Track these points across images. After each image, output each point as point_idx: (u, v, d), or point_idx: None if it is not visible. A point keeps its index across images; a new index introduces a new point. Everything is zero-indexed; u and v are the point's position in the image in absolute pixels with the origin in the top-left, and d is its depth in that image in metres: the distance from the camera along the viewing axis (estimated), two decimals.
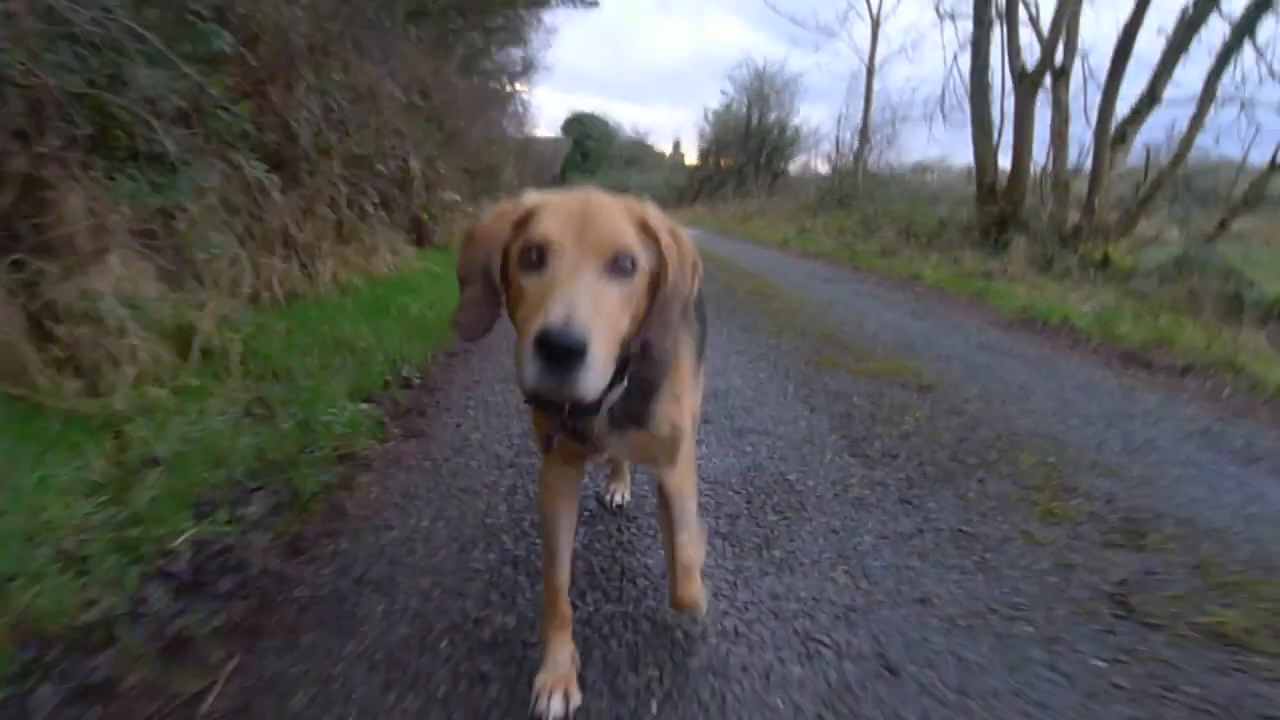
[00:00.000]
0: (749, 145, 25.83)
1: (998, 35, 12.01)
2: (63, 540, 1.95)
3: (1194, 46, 10.36)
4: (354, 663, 1.66)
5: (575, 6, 19.06)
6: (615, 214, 1.22)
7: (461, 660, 1.69)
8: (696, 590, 1.74)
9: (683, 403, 1.54)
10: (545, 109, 75.14)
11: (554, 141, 40.92)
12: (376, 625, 1.80)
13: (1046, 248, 9.86)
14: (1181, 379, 4.91)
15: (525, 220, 1.22)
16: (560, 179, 39.13)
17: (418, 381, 3.94)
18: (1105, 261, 9.18)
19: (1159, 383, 4.76)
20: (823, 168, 22.62)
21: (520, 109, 25.09)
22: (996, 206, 11.42)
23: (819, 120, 49.67)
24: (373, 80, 7.99)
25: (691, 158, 36.14)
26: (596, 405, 1.35)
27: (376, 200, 7.05)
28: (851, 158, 19.32)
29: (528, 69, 23.55)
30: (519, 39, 21.32)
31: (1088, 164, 11.25)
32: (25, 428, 2.43)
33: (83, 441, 2.45)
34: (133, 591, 1.84)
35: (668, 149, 46.45)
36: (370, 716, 1.50)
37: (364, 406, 3.28)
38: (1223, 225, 10.06)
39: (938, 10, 13.59)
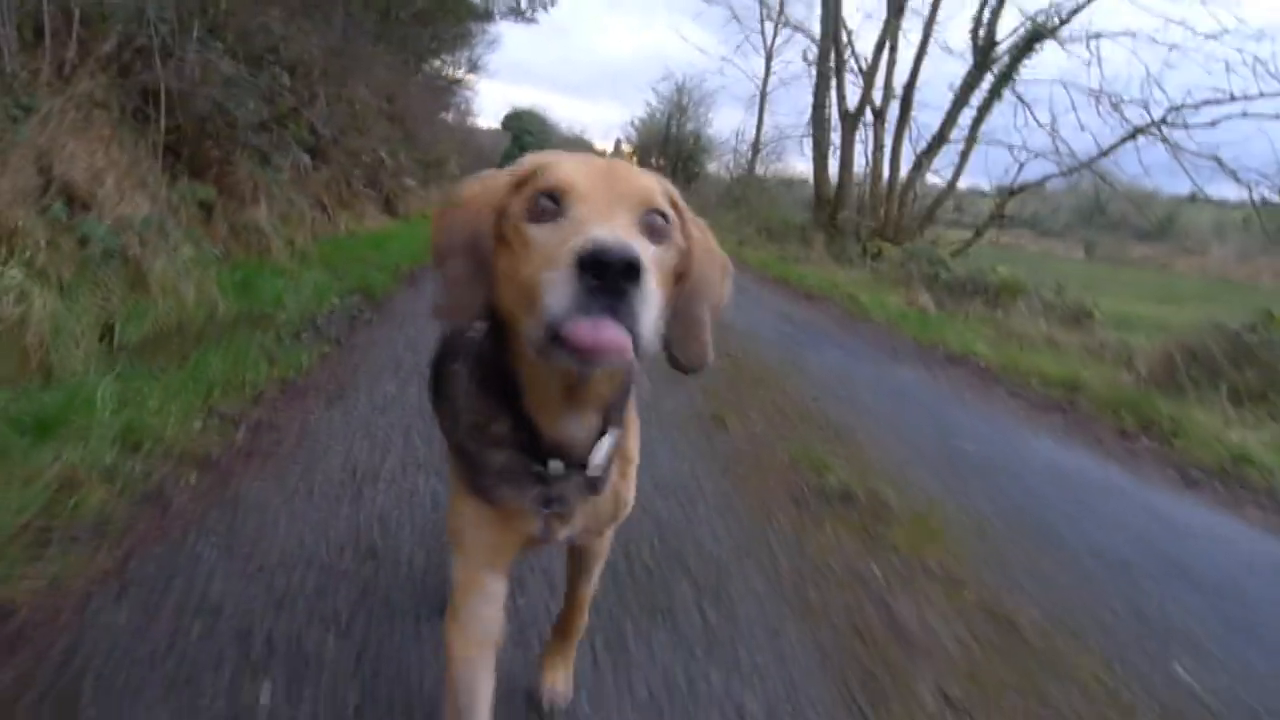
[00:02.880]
0: (668, 151, 29.90)
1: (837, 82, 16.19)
2: (301, 308, 5.68)
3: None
4: (381, 363, 5.41)
5: (516, 20, 22.84)
6: (641, 171, 1.03)
7: None
8: (566, 677, 1.65)
9: (630, 466, 1.31)
10: (489, 99, 78.28)
11: (493, 134, 44.43)
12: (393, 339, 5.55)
13: (845, 244, 14.00)
14: (845, 308, 8.96)
15: (528, 178, 0.99)
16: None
17: (405, 271, 7.71)
18: (878, 254, 13.32)
19: (831, 309, 8.78)
20: (724, 174, 26.74)
21: (464, 101, 28.72)
22: (824, 213, 15.58)
23: (733, 129, 54.19)
24: (358, 94, 11.65)
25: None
26: (584, 461, 1.11)
27: (363, 181, 10.72)
28: (745, 168, 23.47)
29: (472, 68, 27.20)
30: (466, 43, 24.96)
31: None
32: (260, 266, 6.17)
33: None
34: (325, 309, 5.58)
35: (609, 146, 50.17)
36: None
37: (381, 277, 7.04)
38: (973, 239, 14.36)
39: (805, 58, 17.62)
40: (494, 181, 1.03)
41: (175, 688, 1.57)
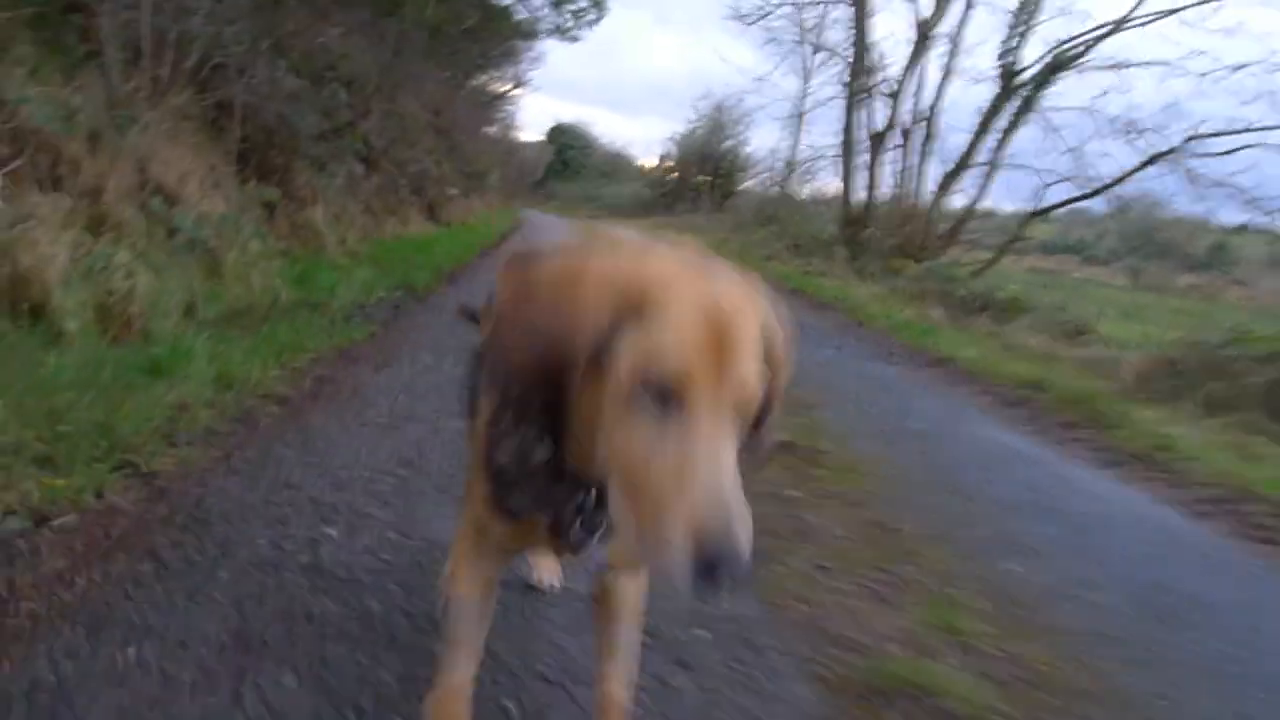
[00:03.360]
0: (706, 167, 30.73)
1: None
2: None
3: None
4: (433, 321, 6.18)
5: (560, 39, 23.79)
6: (752, 335, 0.93)
7: None
8: None
9: None
10: (534, 114, 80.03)
11: (538, 147, 45.75)
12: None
13: (868, 260, 14.59)
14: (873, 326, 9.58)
15: (639, 305, 0.88)
16: (541, 184, 44.00)
17: (445, 271, 8.51)
18: (898, 270, 13.90)
19: (837, 317, 9.41)
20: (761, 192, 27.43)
21: (508, 115, 29.84)
22: (850, 230, 16.19)
23: (769, 147, 54.83)
24: (408, 109, 12.58)
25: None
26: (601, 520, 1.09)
27: (410, 189, 11.61)
28: (779, 185, 24.16)
29: (517, 84, 28.25)
30: (511, 59, 25.98)
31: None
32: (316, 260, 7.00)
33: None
34: (373, 299, 6.37)
35: (651, 161, 51.14)
36: None
37: (424, 275, 7.84)
38: (993, 260, 14.88)
39: (841, 84, 18.27)
40: (592, 288, 0.90)
41: (271, 524, 2.30)
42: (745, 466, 0.90)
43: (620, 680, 1.44)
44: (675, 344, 0.85)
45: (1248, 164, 11.91)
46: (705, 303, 0.89)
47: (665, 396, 0.85)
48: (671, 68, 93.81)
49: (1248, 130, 12.05)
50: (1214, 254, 30.75)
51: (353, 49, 10.66)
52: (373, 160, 10.19)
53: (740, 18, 18.64)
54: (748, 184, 30.22)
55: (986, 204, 16.31)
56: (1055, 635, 2.25)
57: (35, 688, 1.47)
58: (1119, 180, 13.67)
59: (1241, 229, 15.84)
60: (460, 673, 1.35)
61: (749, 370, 0.89)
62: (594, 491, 1.06)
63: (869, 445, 3.92)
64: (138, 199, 5.08)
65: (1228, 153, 12.47)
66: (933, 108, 15.22)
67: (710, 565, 0.78)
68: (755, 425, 0.98)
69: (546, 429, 1.00)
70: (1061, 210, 15.74)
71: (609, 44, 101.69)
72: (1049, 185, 14.71)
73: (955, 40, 15.11)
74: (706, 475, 0.82)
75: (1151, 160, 13.28)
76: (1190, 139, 12.70)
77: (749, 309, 0.95)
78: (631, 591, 1.40)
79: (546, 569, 2.02)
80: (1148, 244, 30.98)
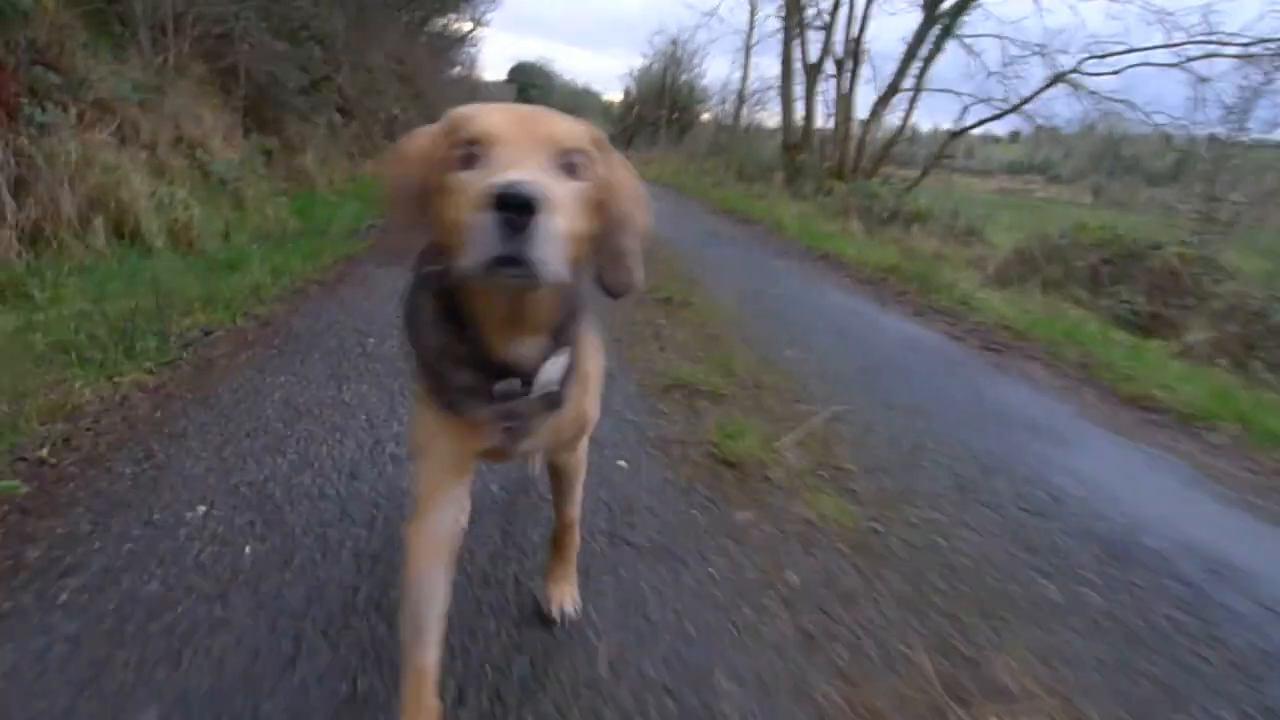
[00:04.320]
0: (664, 101, 31.95)
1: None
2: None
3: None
4: None
5: None
6: (562, 117, 1.16)
7: None
8: (570, 591, 1.85)
9: (590, 383, 1.49)
10: (495, 52, 79.87)
11: (500, 86, 46.38)
12: None
13: (803, 183, 16.22)
14: (778, 234, 11.24)
15: (455, 128, 1.12)
16: None
17: None
18: (830, 191, 15.55)
19: (756, 229, 11.06)
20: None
21: (469, 57, 30.73)
22: (789, 156, 17.78)
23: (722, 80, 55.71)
24: (375, 61, 13.92)
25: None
26: (529, 380, 1.26)
27: (381, 134, 13.05)
28: (732, 117, 25.60)
29: (476, 24, 29.11)
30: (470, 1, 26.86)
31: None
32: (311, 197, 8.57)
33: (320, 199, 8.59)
34: (364, 226, 7.97)
35: (616, 97, 51.72)
36: None
37: None
38: (920, 178, 16.54)
39: (779, 18, 19.61)
40: (428, 136, 1.17)
41: (333, 337, 3.99)
42: (609, 273, 1.18)
43: (572, 524, 1.82)
44: (481, 118, 1.10)
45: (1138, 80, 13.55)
46: (507, 107, 1.15)
47: (477, 146, 1.06)
48: (634, 1, 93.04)
49: (1131, 50, 13.69)
50: (1176, 169, 32.18)
51: (323, 7, 12.01)
52: (348, 110, 11.63)
53: None
54: (704, 117, 31.56)
55: (929, 126, 17.83)
56: (788, 373, 4.00)
57: (241, 394, 3.19)
58: (1025, 101, 15.28)
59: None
60: (428, 654, 1.38)
61: (555, 126, 1.11)
62: (512, 380, 1.24)
63: (730, 301, 5.65)
64: (180, 150, 6.63)
65: (1115, 72, 14.13)
66: (857, 39, 16.68)
67: (500, 195, 0.93)
68: (610, 257, 1.19)
69: (447, 301, 1.23)
70: (1027, 130, 17.39)
71: None
72: (968, 107, 16.35)
73: None
74: (509, 167, 1.00)
75: (1054, 81, 14.92)
76: (1084, 60, 14.35)
77: (563, 117, 1.16)
78: (572, 459, 1.67)
79: (560, 598, 1.86)
80: (1112, 160, 32.24)
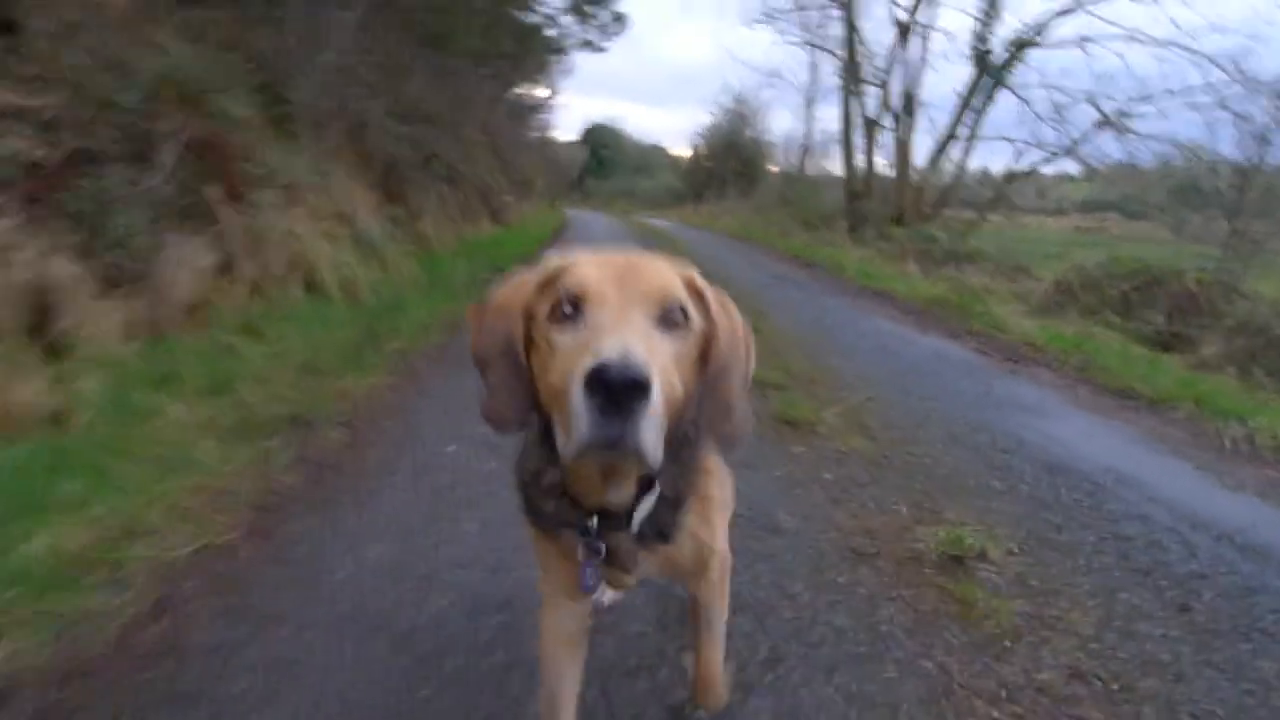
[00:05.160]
0: (731, 156, 33.70)
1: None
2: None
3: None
4: None
5: (590, 52, 26.83)
6: (660, 266, 1.16)
7: None
8: (717, 696, 1.82)
9: (714, 513, 1.50)
10: (567, 112, 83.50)
11: (572, 147, 48.95)
12: None
13: (865, 230, 17.45)
14: (839, 277, 12.49)
15: (551, 280, 1.14)
16: (578, 183, 47.30)
17: (521, 257, 11.66)
18: (890, 237, 16.73)
19: (818, 272, 12.32)
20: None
21: (545, 121, 32.98)
22: (851, 204, 19.06)
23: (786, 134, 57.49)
24: (469, 133, 15.79)
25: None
26: (628, 517, 1.28)
27: (478, 200, 14.82)
28: (797, 169, 27.09)
29: (552, 93, 31.34)
30: (546, 72, 29.06)
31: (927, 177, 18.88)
32: (430, 256, 10.21)
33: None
34: (478, 278, 9.53)
35: (685, 151, 53.80)
36: None
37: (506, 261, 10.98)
38: (977, 221, 17.63)
39: (838, 76, 21.11)
40: (521, 284, 1.18)
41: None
42: (714, 426, 1.20)
43: (714, 657, 1.77)
44: (578, 271, 1.12)
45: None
46: (605, 257, 1.17)
47: (574, 304, 1.08)
48: (699, 56, 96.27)
49: (1171, 94, 14.71)
50: (1263, 202, 32.08)
51: (427, 92, 13.89)
52: (451, 179, 13.40)
53: (750, 22, 21.53)
54: (771, 169, 33.14)
55: (997, 167, 19.03)
56: (834, 374, 5.26)
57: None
58: (1076, 143, 16.34)
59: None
60: None
61: (653, 280, 1.12)
62: (595, 518, 1.28)
63: (790, 327, 6.93)
64: (341, 221, 8.29)
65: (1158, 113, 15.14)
66: (909, 94, 18.01)
67: (600, 376, 0.91)
68: (715, 409, 1.19)
69: (549, 446, 1.20)
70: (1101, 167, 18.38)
71: (636, 39, 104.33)
72: (1021, 152, 17.46)
73: (924, 34, 17.89)
74: (609, 333, 0.99)
75: (1103, 123, 15.97)
76: (1131, 101, 15.43)
77: (657, 261, 1.18)
78: (706, 591, 1.64)
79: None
80: (1193, 195, 32.35)
